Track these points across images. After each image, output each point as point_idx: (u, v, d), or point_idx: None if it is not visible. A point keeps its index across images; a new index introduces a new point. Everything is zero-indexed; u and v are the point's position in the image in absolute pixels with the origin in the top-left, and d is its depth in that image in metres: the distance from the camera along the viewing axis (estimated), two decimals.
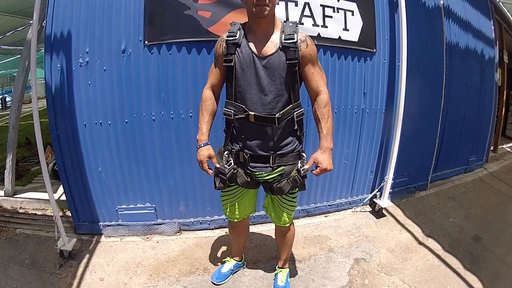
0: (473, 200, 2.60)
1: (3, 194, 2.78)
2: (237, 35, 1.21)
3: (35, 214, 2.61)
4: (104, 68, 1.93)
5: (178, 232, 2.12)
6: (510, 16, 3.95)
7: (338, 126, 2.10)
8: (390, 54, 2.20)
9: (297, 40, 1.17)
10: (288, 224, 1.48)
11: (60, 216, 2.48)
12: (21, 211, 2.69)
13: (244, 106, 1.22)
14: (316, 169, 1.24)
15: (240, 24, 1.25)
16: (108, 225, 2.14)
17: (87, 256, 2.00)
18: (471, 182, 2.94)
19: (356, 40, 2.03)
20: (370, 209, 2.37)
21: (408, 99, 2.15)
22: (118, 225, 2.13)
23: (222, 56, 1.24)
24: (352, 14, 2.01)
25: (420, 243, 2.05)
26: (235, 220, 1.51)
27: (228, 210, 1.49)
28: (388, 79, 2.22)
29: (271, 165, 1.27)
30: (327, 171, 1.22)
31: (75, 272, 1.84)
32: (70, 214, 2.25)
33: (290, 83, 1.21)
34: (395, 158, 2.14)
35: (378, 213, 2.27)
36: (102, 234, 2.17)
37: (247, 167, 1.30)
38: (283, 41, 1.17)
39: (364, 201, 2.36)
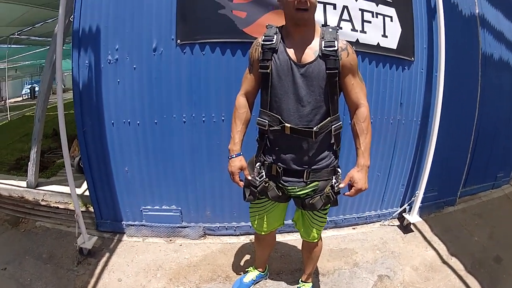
0: (499, 219, 2.43)
1: (25, 186, 2.73)
2: (274, 40, 1.09)
3: (57, 207, 2.54)
4: (134, 66, 1.82)
5: (203, 236, 2.00)
6: None
7: (373, 137, 1.90)
8: (428, 64, 2.03)
9: (338, 48, 1.04)
10: (316, 240, 1.37)
11: (83, 212, 2.41)
12: (43, 203, 2.62)
13: (279, 117, 1.11)
14: (350, 189, 1.13)
15: (277, 27, 1.13)
16: (131, 225, 2.05)
17: (107, 254, 1.91)
18: (498, 199, 2.76)
19: (395, 47, 1.87)
20: (398, 223, 2.22)
21: (443, 111, 1.98)
22: (142, 225, 2.03)
23: (257, 61, 1.12)
24: (391, 20, 1.86)
25: (444, 262, 1.90)
26: (263, 233, 1.39)
27: (256, 223, 1.38)
28: (425, 90, 2.05)
29: (304, 180, 1.16)
30: (361, 191, 1.11)
31: (93, 270, 1.75)
32: (93, 210, 2.16)
33: (329, 94, 1.08)
34: (428, 173, 1.98)
35: (406, 228, 2.12)
36: (124, 233, 2.08)
37: (280, 181, 1.18)
38: (323, 48, 1.05)
39: (393, 215, 2.21)
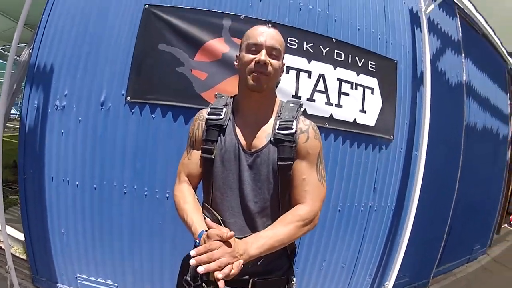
0: None
1: None
2: (222, 114, 0.76)
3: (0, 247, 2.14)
4: (80, 118, 1.48)
5: None
6: None
7: (339, 226, 1.60)
8: (408, 141, 1.69)
9: (296, 130, 0.72)
10: None
11: (23, 259, 2.03)
12: None
13: (220, 218, 0.76)
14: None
15: (228, 97, 0.80)
16: None
17: None
18: (473, 272, 2.42)
19: (373, 124, 1.54)
20: None
21: (421, 193, 1.64)
22: None
23: (201, 142, 0.77)
24: (372, 93, 1.52)
25: None
26: None
27: None
28: (403, 171, 1.71)
29: None
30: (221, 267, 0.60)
31: None
32: None
33: (280, 193, 0.74)
34: (399, 262, 1.63)
35: None
36: None
37: None
38: (277, 131, 0.72)
39: None
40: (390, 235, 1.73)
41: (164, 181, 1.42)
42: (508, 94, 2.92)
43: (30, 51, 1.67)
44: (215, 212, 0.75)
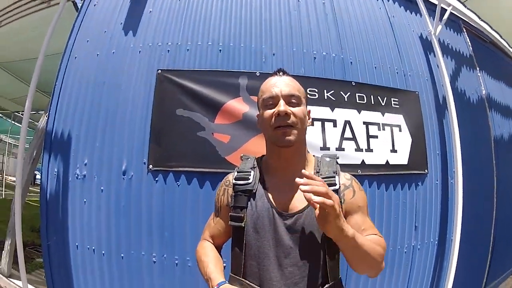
0: None
1: None
2: (250, 178, 0.69)
3: None
4: (102, 188, 1.41)
5: None
6: None
7: (383, 273, 1.45)
8: (442, 172, 1.57)
9: (339, 186, 0.66)
10: None
11: None
12: None
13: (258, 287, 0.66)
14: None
15: (255, 158, 0.73)
16: None
17: None
18: None
19: (406, 162, 1.43)
20: None
21: (462, 218, 1.50)
22: None
23: (227, 208, 0.71)
24: (400, 130, 1.43)
25: None
26: None
27: None
28: (441, 203, 1.58)
29: None
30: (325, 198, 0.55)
31: None
32: None
33: (327, 253, 0.65)
34: None
35: None
36: None
37: None
38: None
39: None
40: (436, 270, 1.57)
41: (195, 249, 1.30)
42: None
43: (47, 118, 1.65)
44: (248, 282, 0.66)
